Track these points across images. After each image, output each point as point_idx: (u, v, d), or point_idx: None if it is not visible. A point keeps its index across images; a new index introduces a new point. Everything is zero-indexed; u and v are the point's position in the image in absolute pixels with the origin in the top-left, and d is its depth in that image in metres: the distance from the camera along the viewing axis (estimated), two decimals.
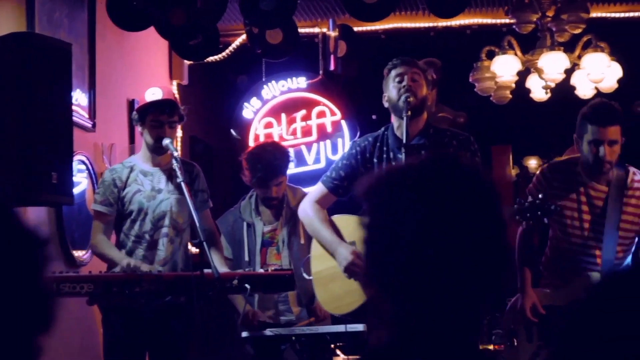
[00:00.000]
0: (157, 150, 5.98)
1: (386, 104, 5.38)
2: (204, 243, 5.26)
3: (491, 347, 7.66)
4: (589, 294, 1.57)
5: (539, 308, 5.43)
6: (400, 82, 5.26)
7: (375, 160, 5.36)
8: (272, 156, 6.35)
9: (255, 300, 6.39)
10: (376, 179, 1.90)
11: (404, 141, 5.11)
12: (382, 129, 5.49)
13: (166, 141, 5.83)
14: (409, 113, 5.15)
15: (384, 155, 5.34)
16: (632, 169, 5.42)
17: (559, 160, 5.65)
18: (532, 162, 9.71)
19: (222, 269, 5.59)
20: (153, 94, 5.95)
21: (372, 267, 1.88)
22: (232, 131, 9.27)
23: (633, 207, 5.36)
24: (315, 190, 5.60)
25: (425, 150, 5.23)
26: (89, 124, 7.15)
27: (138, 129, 6.08)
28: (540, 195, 5.13)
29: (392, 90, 5.29)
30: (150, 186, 6.00)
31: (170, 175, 5.98)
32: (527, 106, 7.89)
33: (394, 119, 5.38)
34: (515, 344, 5.57)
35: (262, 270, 5.78)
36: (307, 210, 5.53)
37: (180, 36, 7.79)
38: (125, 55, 8.08)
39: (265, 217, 6.47)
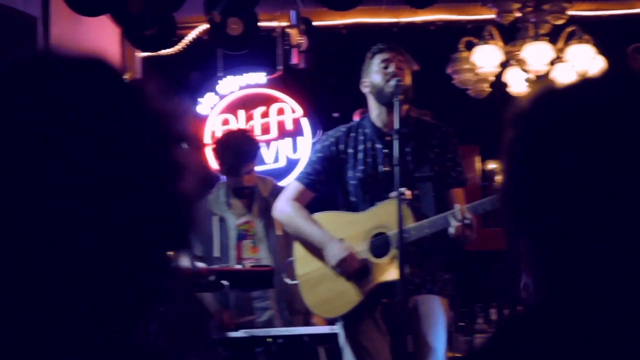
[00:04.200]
0: None
1: (366, 90, 5.08)
2: None
3: None
4: None
5: None
6: (386, 67, 4.97)
7: (350, 151, 5.05)
8: (242, 142, 6.14)
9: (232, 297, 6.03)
10: (534, 100, 1.54)
11: (396, 126, 4.77)
12: (357, 119, 5.22)
13: None
14: (402, 97, 4.83)
15: (360, 146, 5.04)
16: None
17: None
18: (493, 167, 9.43)
19: None
20: None
21: (521, 208, 1.52)
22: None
23: None
24: (289, 189, 5.21)
25: (408, 139, 4.93)
26: None
27: None
28: None
29: (375, 75, 4.99)
30: None
31: None
32: (501, 104, 7.60)
33: (373, 107, 5.06)
34: None
35: (239, 266, 5.37)
36: (286, 209, 5.12)
37: (136, 25, 7.41)
38: (79, 44, 7.59)
39: (236, 210, 6.15)
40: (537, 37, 6.69)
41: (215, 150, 6.29)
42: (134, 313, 1.16)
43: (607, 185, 1.42)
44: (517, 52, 6.72)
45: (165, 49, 8.42)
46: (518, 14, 6.88)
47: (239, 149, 6.06)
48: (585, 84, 1.54)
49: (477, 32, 6.99)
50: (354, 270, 4.85)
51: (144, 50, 8.57)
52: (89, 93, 1.16)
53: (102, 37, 8.23)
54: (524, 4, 6.82)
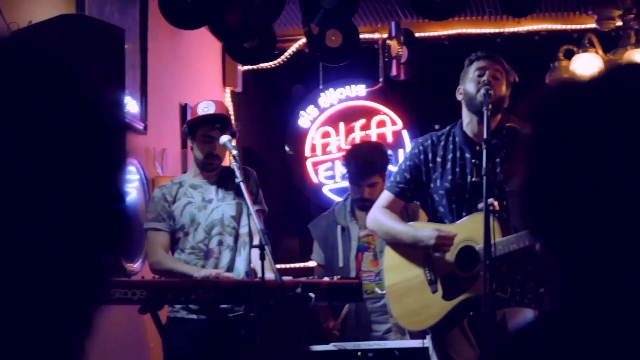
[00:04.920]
0: (207, 167, 5.62)
1: (460, 97, 4.99)
2: (266, 246, 4.83)
3: None
4: None
5: None
6: (480, 76, 4.87)
7: (438, 159, 4.96)
8: (367, 154, 6.15)
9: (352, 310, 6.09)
10: (550, 95, 1.46)
11: (485, 136, 4.67)
12: (448, 127, 5.10)
13: (224, 139, 5.41)
14: (490, 106, 4.73)
15: (450, 155, 4.95)
16: None
17: None
18: None
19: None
20: (206, 108, 5.60)
21: (536, 210, 1.44)
22: (286, 147, 8.87)
23: None
24: (380, 199, 5.14)
25: (499, 150, 4.82)
26: (140, 127, 6.74)
27: (189, 143, 5.70)
28: None
29: (469, 83, 4.89)
30: (200, 197, 5.62)
31: (220, 184, 5.60)
32: None
33: (465, 115, 4.98)
34: None
35: (327, 279, 5.30)
36: (376, 216, 5.07)
37: (235, 37, 7.43)
38: (178, 58, 7.68)
39: (361, 221, 6.13)
40: (638, 44, 6.50)
41: (344, 157, 6.39)
42: (67, 316, 1.08)
43: (627, 185, 1.34)
44: (619, 60, 6.53)
45: (265, 61, 8.44)
46: (619, 23, 6.69)
47: (362, 159, 6.08)
48: (603, 78, 1.45)
49: (579, 41, 6.81)
50: (451, 243, 4.78)
51: (244, 64, 8.58)
52: (20, 80, 1.05)
53: (202, 50, 8.29)
54: (626, 11, 6.64)
